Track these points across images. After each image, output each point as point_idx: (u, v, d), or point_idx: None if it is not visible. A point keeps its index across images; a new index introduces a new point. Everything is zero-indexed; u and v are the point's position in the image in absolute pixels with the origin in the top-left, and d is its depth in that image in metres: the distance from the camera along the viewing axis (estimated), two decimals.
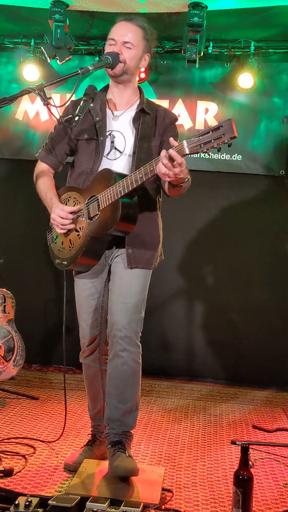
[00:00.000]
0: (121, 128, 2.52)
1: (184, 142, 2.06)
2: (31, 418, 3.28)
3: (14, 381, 3.85)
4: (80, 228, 2.45)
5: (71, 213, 2.44)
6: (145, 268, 2.51)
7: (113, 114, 2.54)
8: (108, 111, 2.54)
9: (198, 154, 4.34)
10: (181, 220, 4.27)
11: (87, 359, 2.66)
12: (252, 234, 4.32)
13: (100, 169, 2.48)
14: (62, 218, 2.43)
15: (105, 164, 2.49)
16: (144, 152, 2.47)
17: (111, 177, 2.34)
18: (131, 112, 2.54)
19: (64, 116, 2.36)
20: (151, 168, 2.20)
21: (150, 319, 2.57)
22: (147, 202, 2.51)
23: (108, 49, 2.45)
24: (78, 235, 2.46)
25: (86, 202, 2.45)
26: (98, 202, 2.37)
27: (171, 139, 2.13)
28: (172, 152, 2.08)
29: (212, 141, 1.99)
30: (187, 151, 2.06)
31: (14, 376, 3.50)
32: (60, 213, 2.44)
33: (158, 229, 2.59)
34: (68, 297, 2.68)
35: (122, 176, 2.34)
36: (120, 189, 2.27)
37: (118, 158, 2.49)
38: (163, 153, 2.10)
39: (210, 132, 2.00)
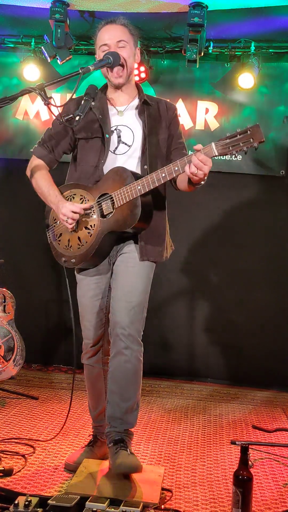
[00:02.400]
0: (128, 122, 2.51)
1: (212, 144, 2.11)
2: (31, 418, 3.27)
3: (14, 381, 3.85)
4: (91, 226, 2.43)
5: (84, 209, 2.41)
6: (157, 260, 2.52)
7: (116, 110, 2.53)
8: (110, 107, 2.54)
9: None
10: (181, 220, 4.26)
11: (90, 360, 2.64)
12: (253, 234, 4.32)
13: (105, 165, 2.46)
14: (75, 213, 2.39)
15: (111, 159, 2.47)
16: (154, 147, 2.49)
17: (126, 175, 2.33)
18: (135, 105, 2.54)
19: (64, 115, 2.36)
20: (176, 168, 2.22)
21: (151, 319, 2.57)
22: (157, 196, 2.50)
23: (101, 55, 2.43)
24: (89, 233, 2.43)
25: (97, 200, 2.42)
26: (113, 200, 2.36)
27: (198, 145, 2.15)
28: (201, 155, 2.11)
29: (241, 144, 2.04)
30: (215, 153, 2.11)
31: (14, 376, 3.50)
32: (73, 208, 2.38)
33: (166, 221, 2.60)
34: (72, 295, 2.65)
35: (135, 174, 2.34)
36: (139, 187, 2.27)
37: (126, 152, 2.48)
38: (194, 155, 2.13)
39: (238, 135, 2.04)
